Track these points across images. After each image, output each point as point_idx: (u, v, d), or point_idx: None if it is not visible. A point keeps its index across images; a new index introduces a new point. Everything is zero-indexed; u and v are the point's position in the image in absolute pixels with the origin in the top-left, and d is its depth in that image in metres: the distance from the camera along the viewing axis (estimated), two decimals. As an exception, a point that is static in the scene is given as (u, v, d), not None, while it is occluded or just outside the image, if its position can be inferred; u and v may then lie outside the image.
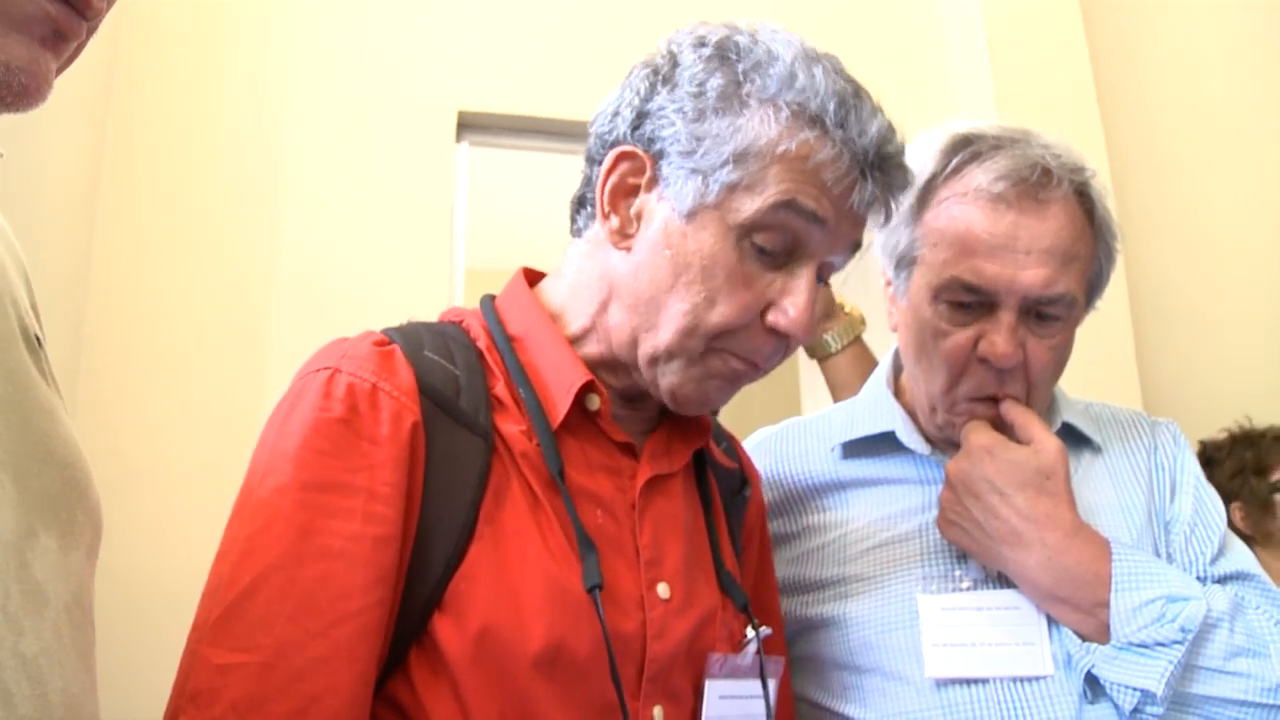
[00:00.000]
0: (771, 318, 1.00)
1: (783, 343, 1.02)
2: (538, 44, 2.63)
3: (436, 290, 2.40)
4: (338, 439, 0.90)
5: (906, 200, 1.30)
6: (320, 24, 2.53)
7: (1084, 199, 1.27)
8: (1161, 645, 1.13)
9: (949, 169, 1.28)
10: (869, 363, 1.85)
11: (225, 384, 2.24)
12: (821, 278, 1.03)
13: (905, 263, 1.32)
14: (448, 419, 0.96)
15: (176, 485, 2.13)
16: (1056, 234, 1.23)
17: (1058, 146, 1.26)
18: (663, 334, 1.00)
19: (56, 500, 0.71)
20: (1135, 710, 1.13)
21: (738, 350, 1.01)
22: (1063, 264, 1.23)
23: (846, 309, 1.89)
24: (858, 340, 1.88)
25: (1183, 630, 1.13)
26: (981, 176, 1.24)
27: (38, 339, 0.78)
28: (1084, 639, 1.18)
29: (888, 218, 1.06)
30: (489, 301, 1.11)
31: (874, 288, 2.62)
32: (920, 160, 1.30)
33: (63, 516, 0.71)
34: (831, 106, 0.97)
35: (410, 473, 0.92)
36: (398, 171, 2.49)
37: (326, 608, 0.85)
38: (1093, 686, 1.17)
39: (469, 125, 2.60)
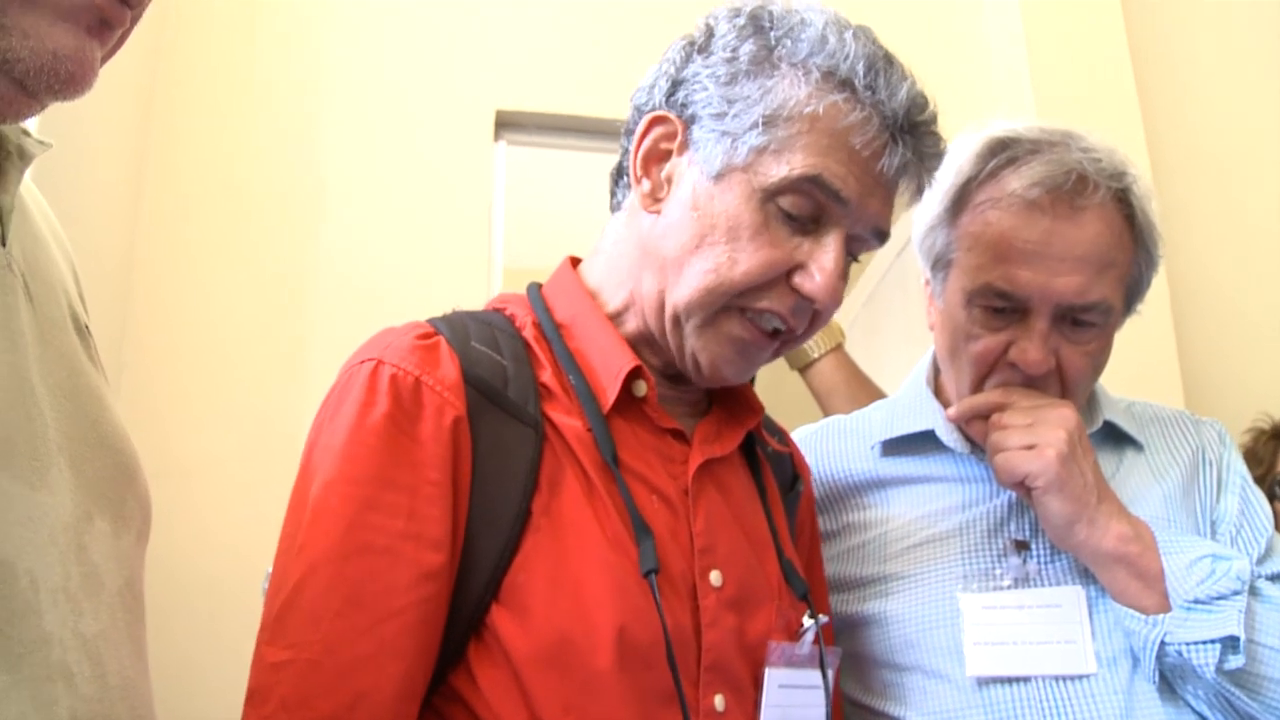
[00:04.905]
0: (798, 279, 0.99)
1: (806, 308, 1.02)
2: (576, 42, 2.63)
3: (475, 289, 2.40)
4: (383, 434, 0.90)
5: (944, 202, 1.30)
6: (359, 22, 2.54)
7: (1124, 204, 1.25)
8: (1222, 598, 1.12)
9: (985, 173, 1.27)
10: (852, 368, 1.87)
11: (266, 380, 2.25)
12: (852, 252, 1.03)
13: (941, 265, 1.32)
14: (496, 410, 0.95)
15: (219, 477, 2.15)
16: (1092, 241, 1.22)
17: (1098, 150, 1.25)
18: (684, 289, 1.00)
19: (109, 485, 0.72)
20: (1218, 668, 1.11)
21: (761, 307, 1.00)
22: (1098, 271, 1.22)
23: None
24: (838, 348, 1.89)
25: (1239, 579, 1.13)
26: (1017, 182, 1.23)
27: (86, 328, 0.79)
28: (1145, 613, 1.16)
29: (919, 190, 1.05)
30: (536, 289, 1.11)
31: (912, 287, 2.60)
32: (957, 163, 1.29)
33: (115, 501, 0.72)
34: (860, 68, 0.97)
35: (455, 468, 0.92)
36: (436, 170, 2.49)
37: (372, 604, 0.85)
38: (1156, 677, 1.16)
39: (507, 124, 2.60)
